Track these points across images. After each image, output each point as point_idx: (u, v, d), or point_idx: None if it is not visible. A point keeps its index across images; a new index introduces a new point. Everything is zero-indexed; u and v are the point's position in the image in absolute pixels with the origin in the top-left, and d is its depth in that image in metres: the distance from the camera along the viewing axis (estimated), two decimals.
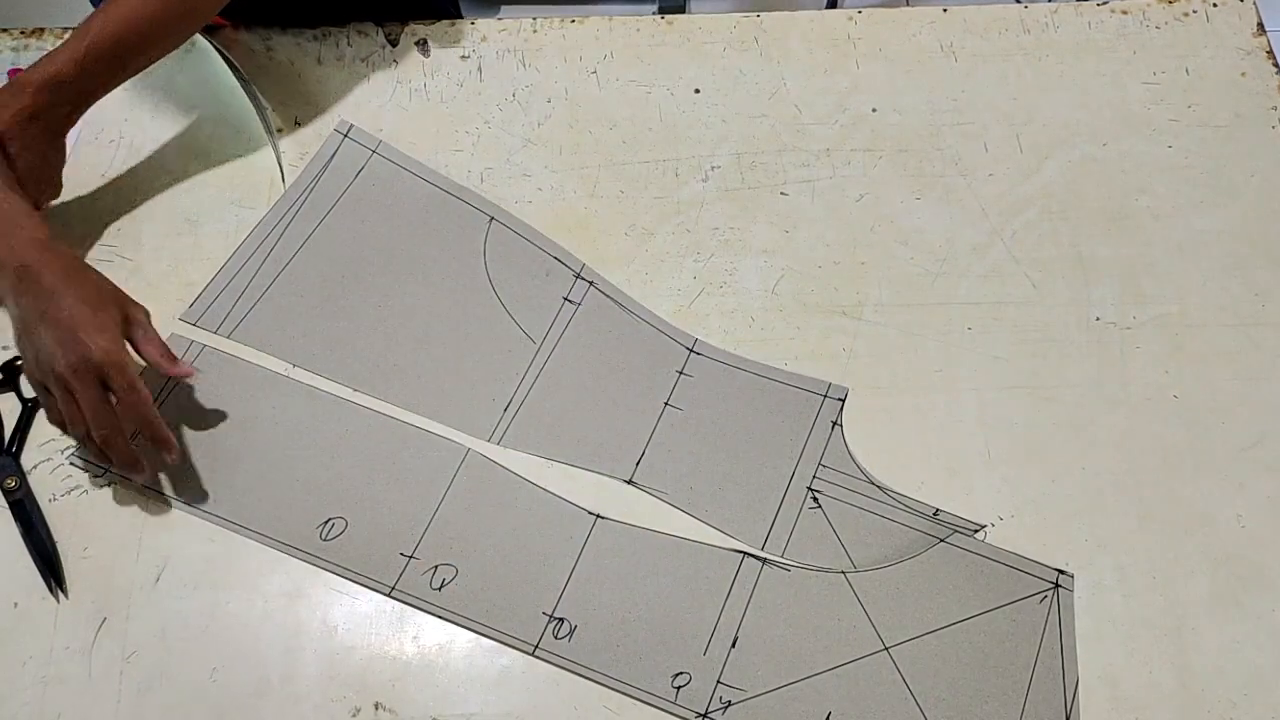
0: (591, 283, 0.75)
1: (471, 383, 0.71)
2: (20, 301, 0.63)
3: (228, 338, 0.73)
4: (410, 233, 0.77)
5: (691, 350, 0.73)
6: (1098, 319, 0.74)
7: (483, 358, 0.72)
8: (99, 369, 0.61)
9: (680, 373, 0.72)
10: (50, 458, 0.69)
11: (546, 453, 0.69)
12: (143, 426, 0.63)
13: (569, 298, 0.74)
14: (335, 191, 0.78)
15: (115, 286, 0.67)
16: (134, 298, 0.74)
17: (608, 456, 0.69)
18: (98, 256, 0.76)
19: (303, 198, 0.78)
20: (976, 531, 0.67)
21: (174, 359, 0.66)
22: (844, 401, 0.71)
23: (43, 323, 0.62)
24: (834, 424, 0.70)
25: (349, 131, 0.81)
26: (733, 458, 0.69)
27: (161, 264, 0.76)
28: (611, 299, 0.74)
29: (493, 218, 0.77)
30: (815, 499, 0.68)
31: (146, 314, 0.67)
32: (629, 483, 0.68)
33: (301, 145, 0.81)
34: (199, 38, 0.84)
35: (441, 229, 0.77)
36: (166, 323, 0.74)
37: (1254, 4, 0.87)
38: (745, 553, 0.65)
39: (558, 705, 0.63)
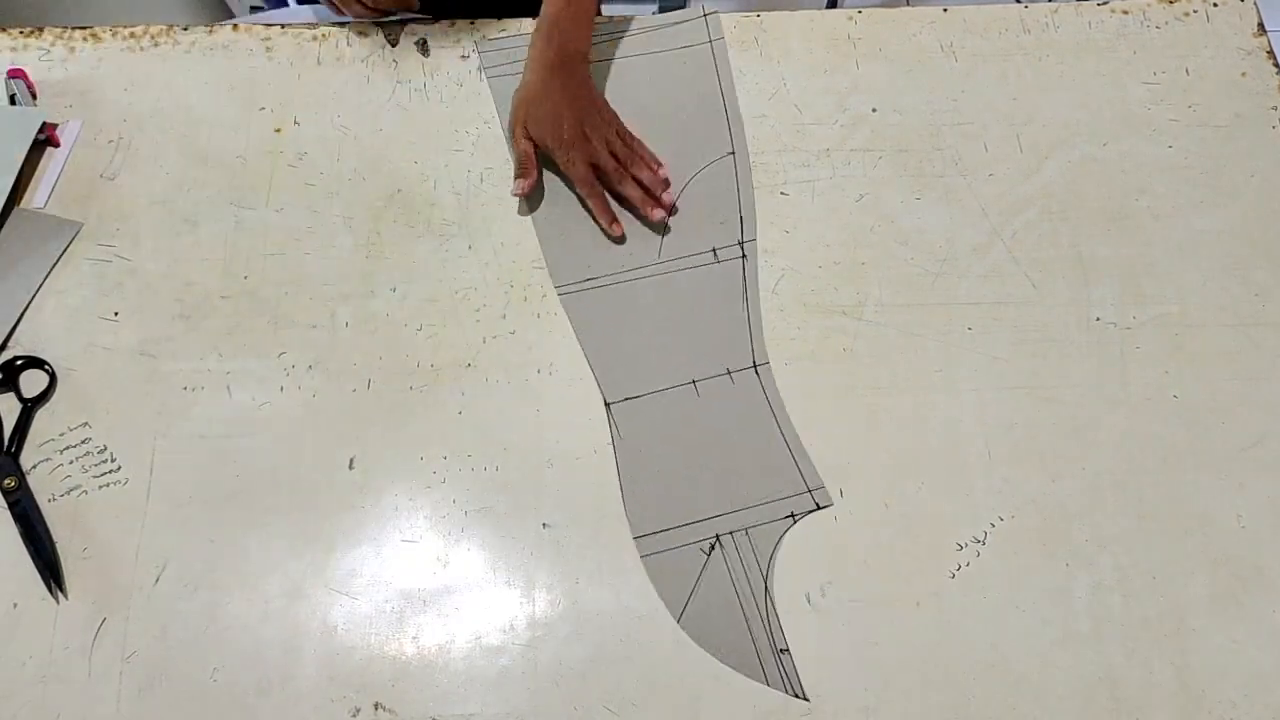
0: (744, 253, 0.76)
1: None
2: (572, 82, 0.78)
3: None
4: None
5: (753, 368, 0.73)
6: (1098, 319, 0.74)
7: None
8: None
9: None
10: (49, 458, 0.69)
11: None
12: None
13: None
14: None
15: None
16: (133, 298, 0.75)
17: None
18: (97, 256, 0.76)
19: None
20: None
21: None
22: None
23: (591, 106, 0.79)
24: None
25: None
26: None
27: (161, 264, 0.76)
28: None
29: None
30: None
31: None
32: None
33: (301, 145, 0.81)
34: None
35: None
36: (166, 322, 0.74)
37: (1254, 4, 0.87)
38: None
39: (558, 705, 0.63)
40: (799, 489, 0.68)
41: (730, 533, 0.67)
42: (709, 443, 0.70)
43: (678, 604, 0.65)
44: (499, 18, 0.87)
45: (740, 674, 0.63)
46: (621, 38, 0.84)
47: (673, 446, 0.70)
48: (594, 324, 0.74)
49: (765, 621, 0.64)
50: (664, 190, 0.77)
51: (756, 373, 0.72)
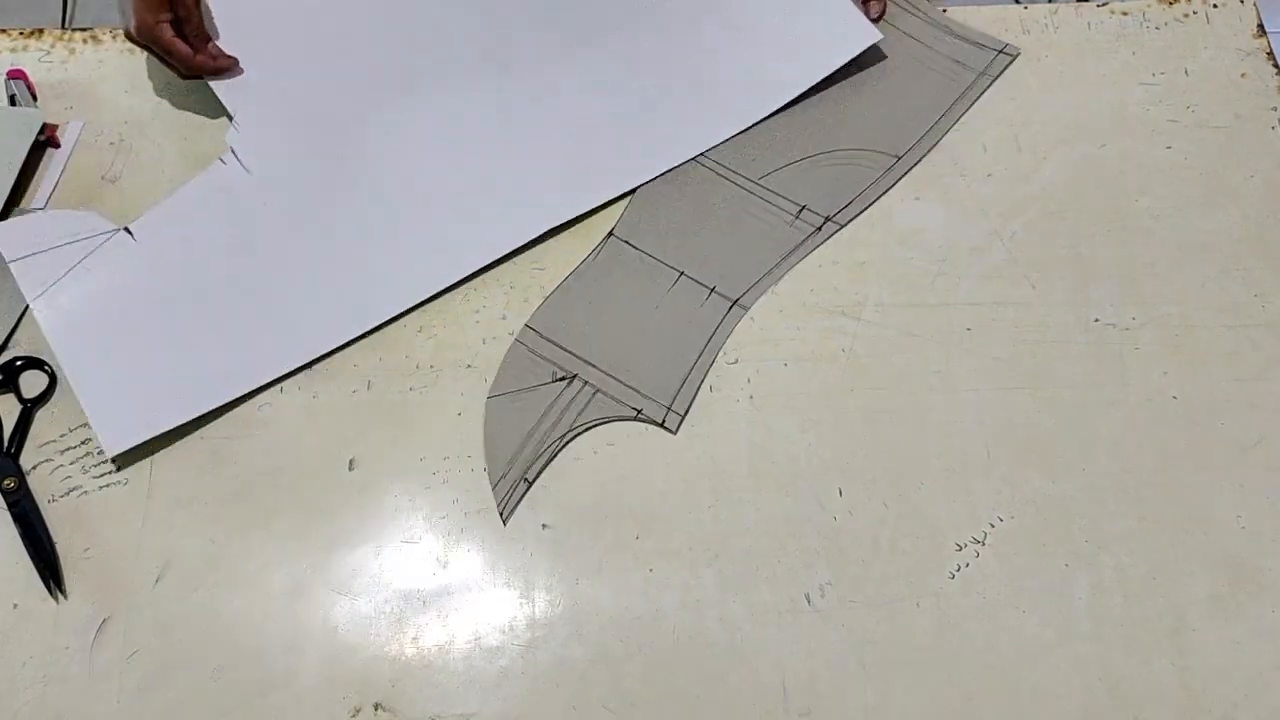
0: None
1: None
2: None
3: None
4: None
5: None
6: (1097, 320, 0.74)
7: None
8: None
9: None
10: (50, 458, 0.69)
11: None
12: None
13: None
14: None
15: None
16: None
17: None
18: None
19: None
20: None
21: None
22: None
23: None
24: None
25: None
26: None
27: None
28: None
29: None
30: None
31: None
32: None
33: None
34: None
35: None
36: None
37: (1254, 4, 0.87)
38: None
39: (558, 705, 0.63)
40: (665, 400, 0.71)
41: (586, 383, 0.70)
42: (649, 315, 0.73)
43: (500, 389, 0.71)
44: None
45: (485, 469, 0.68)
46: (918, 16, 0.85)
47: (624, 292, 0.74)
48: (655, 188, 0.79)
49: (539, 455, 0.69)
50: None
51: (729, 308, 0.74)
